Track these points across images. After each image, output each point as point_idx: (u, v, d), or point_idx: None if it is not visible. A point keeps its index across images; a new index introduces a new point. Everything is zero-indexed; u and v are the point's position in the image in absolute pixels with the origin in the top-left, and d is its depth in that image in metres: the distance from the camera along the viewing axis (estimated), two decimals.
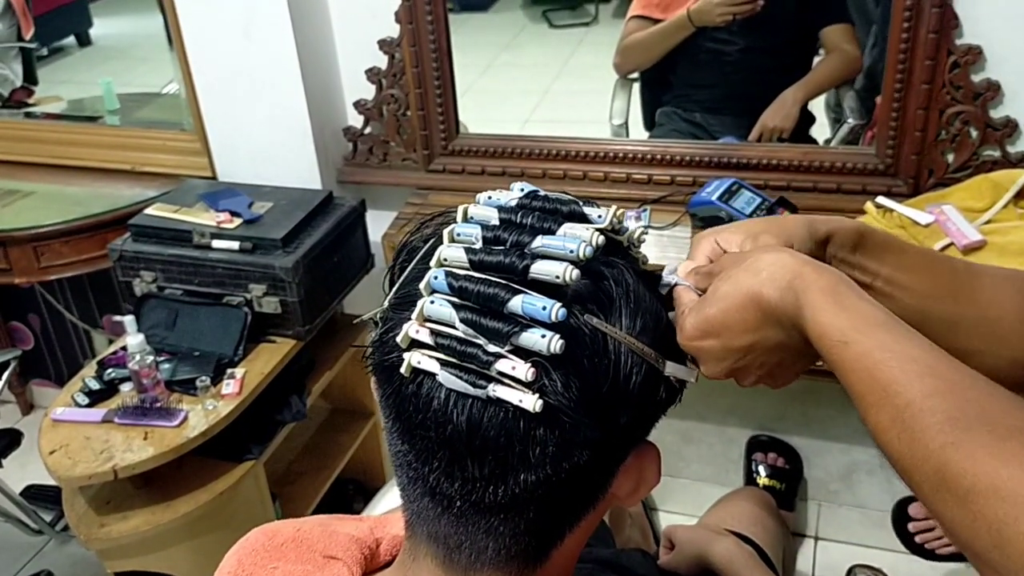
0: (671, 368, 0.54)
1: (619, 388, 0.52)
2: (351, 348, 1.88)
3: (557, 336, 0.48)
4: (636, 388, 0.52)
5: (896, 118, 1.51)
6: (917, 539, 1.69)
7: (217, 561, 0.69)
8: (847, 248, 0.62)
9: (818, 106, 1.84)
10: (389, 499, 1.55)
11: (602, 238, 0.52)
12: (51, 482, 1.51)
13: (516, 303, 0.49)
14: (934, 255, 0.68)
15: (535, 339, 0.48)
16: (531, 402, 0.48)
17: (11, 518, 2.04)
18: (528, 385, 0.48)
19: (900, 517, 1.73)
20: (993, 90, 1.45)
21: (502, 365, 0.48)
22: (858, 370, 0.48)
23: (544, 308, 0.48)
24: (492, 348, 0.49)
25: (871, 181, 1.57)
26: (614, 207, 0.55)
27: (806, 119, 1.82)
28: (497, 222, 0.54)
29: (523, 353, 0.49)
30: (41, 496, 2.13)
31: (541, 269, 0.49)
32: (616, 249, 0.55)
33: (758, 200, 1.55)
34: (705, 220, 1.57)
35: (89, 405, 1.54)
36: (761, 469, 1.90)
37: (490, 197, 0.56)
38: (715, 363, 0.57)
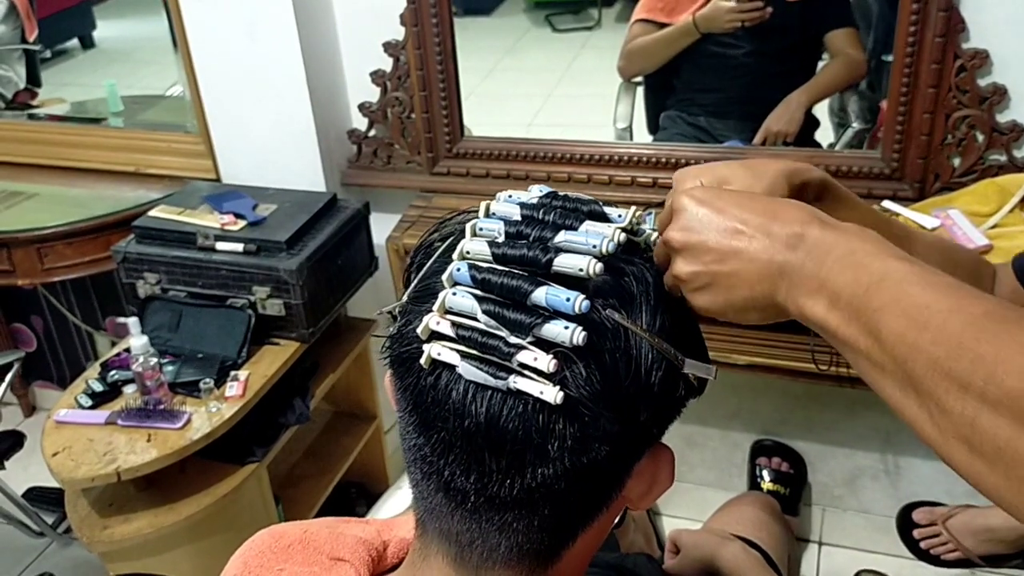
0: (690, 366, 0.54)
1: (640, 383, 0.52)
2: (354, 351, 1.88)
3: (580, 328, 0.48)
4: (656, 384, 0.52)
5: (902, 122, 1.51)
6: (922, 545, 1.69)
7: (220, 564, 0.69)
8: (811, 197, 0.61)
9: (822, 110, 1.84)
10: (393, 503, 1.55)
11: (624, 235, 0.53)
12: (53, 484, 1.51)
13: (540, 294, 0.49)
14: (880, 216, 0.67)
15: (558, 330, 0.48)
16: (552, 394, 0.48)
17: (13, 520, 2.04)
18: (549, 377, 0.48)
19: (905, 523, 1.73)
20: (999, 94, 1.45)
21: (524, 356, 0.48)
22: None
23: (568, 299, 0.48)
24: (514, 340, 0.49)
25: (877, 185, 1.57)
26: (633, 208, 0.56)
27: (810, 123, 1.82)
28: (519, 218, 0.54)
29: (545, 345, 0.49)
30: (43, 498, 2.13)
31: (564, 262, 0.50)
32: (635, 250, 0.56)
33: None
34: None
35: (92, 407, 1.54)
36: (765, 474, 1.90)
37: (510, 196, 0.57)
38: (688, 230, 0.53)
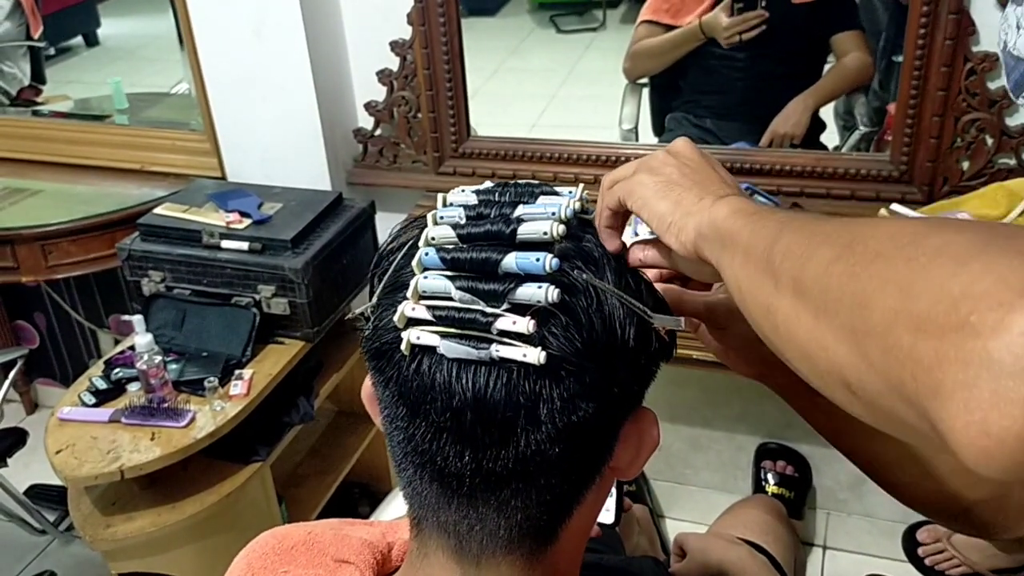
0: (659, 320, 0.55)
1: (616, 339, 0.52)
2: (358, 350, 1.87)
3: (553, 285, 0.49)
4: (632, 339, 0.53)
5: (911, 125, 1.51)
6: (927, 562, 1.70)
7: (223, 563, 0.68)
8: None
9: (827, 113, 1.83)
10: (396, 504, 1.54)
11: (579, 204, 0.56)
12: (55, 481, 1.50)
13: (510, 260, 0.50)
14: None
15: (532, 291, 0.49)
16: (535, 355, 0.48)
17: (14, 517, 2.04)
18: (529, 340, 0.49)
19: (910, 543, 1.75)
20: (1009, 98, 1.44)
21: (502, 323, 0.49)
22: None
23: (538, 260, 0.49)
24: (490, 309, 0.50)
25: (885, 188, 1.56)
26: (582, 185, 0.59)
27: (816, 126, 1.81)
28: (477, 202, 0.56)
29: (521, 310, 0.50)
30: (45, 496, 2.13)
31: (528, 230, 0.51)
32: (588, 225, 0.58)
33: (771, 206, 1.54)
34: None
35: (96, 405, 1.53)
36: (770, 477, 1.89)
37: (463, 189, 0.58)
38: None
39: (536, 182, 0.59)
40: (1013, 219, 1.42)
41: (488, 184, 0.59)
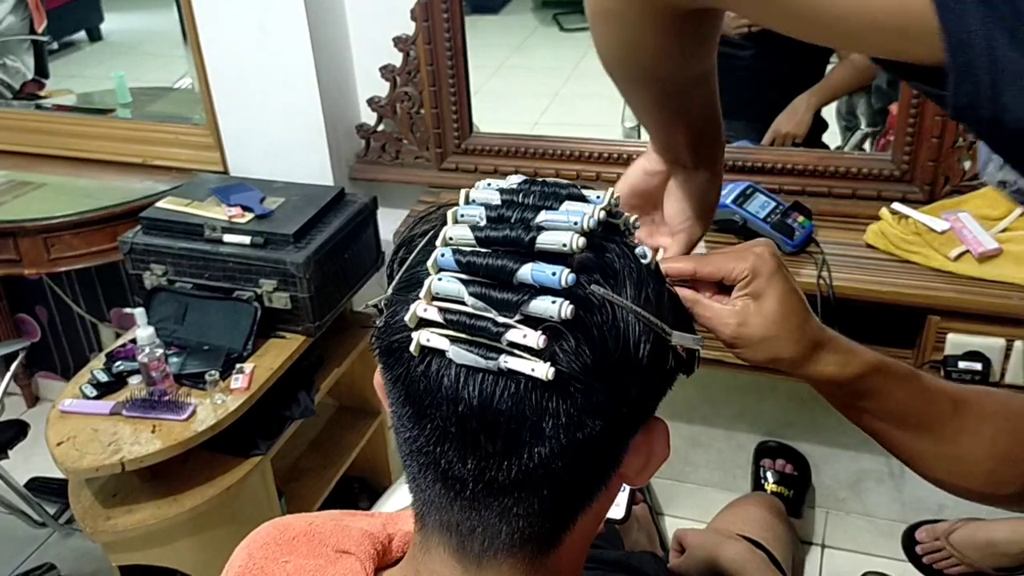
0: (677, 337, 0.54)
1: (629, 357, 0.52)
2: (359, 345, 1.87)
3: (567, 302, 0.48)
4: (645, 357, 0.52)
5: (913, 124, 1.51)
6: (926, 560, 1.70)
7: (223, 556, 0.68)
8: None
9: (829, 113, 1.83)
10: (396, 499, 1.54)
11: (604, 213, 0.53)
12: (56, 474, 1.51)
13: (525, 271, 0.49)
14: (934, 390, 0.69)
15: (545, 306, 0.48)
16: (543, 370, 0.48)
17: (15, 510, 2.04)
18: (539, 354, 0.48)
19: (909, 542, 1.75)
20: None
21: (513, 335, 0.48)
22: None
23: (554, 274, 0.48)
24: (502, 319, 0.49)
25: (886, 187, 1.56)
26: (611, 189, 0.57)
27: (819, 126, 1.81)
28: (499, 203, 0.54)
29: (533, 323, 0.49)
30: (45, 488, 2.13)
31: (547, 240, 0.50)
32: (615, 231, 0.56)
33: (772, 204, 1.55)
34: (719, 223, 1.57)
35: (97, 397, 1.53)
36: (769, 475, 1.89)
37: (489, 184, 0.57)
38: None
39: (564, 182, 0.56)
40: (1014, 219, 1.43)
41: (514, 180, 0.57)
